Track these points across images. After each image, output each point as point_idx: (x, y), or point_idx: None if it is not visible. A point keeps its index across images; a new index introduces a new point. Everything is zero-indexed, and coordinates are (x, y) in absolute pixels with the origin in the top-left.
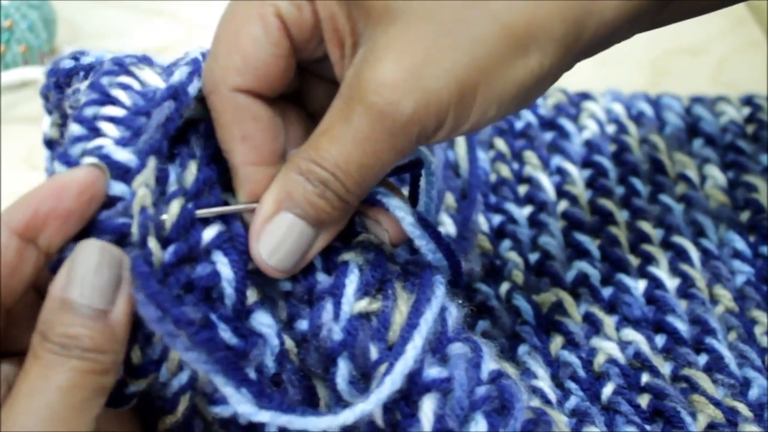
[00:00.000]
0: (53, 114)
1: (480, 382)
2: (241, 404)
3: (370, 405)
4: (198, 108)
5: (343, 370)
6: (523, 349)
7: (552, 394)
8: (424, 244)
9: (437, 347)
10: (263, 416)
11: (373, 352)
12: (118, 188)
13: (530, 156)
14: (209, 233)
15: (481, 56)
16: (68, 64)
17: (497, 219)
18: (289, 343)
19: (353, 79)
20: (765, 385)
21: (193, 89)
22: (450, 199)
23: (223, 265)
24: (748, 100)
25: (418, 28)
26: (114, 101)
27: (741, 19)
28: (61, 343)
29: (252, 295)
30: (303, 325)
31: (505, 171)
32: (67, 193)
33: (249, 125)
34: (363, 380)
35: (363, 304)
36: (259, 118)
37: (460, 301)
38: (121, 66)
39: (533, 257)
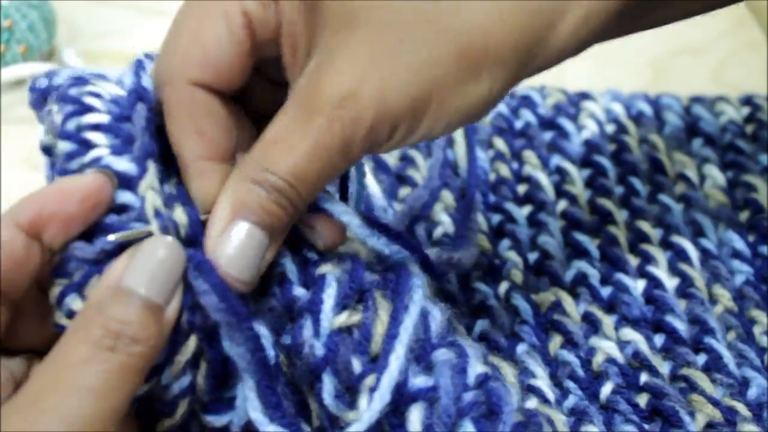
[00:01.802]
0: (45, 122)
1: (467, 388)
2: (255, 411)
3: (363, 425)
4: None
5: (328, 385)
6: (521, 348)
7: (550, 394)
8: (376, 242)
9: (421, 355)
10: (271, 429)
11: (356, 366)
12: (124, 197)
13: (529, 155)
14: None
15: (437, 76)
16: (43, 83)
17: (496, 218)
18: (282, 360)
19: (310, 88)
20: (764, 385)
21: (149, 86)
22: (449, 198)
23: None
24: (747, 100)
25: (378, 42)
26: (90, 109)
27: (741, 20)
28: (110, 330)
29: (251, 306)
30: (287, 340)
31: (504, 170)
32: (71, 198)
33: (204, 120)
34: (348, 394)
35: (342, 318)
36: (214, 114)
37: (443, 304)
38: (81, 79)
39: (532, 257)
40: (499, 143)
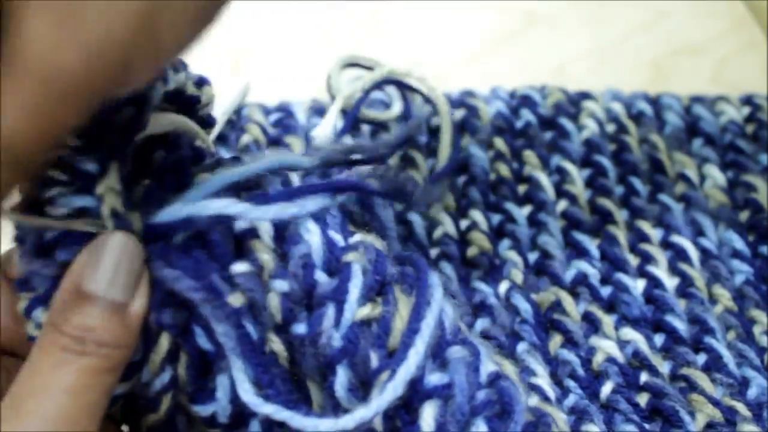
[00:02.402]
0: None
1: (480, 386)
2: (247, 393)
3: (371, 411)
4: (166, 121)
5: (342, 378)
6: (522, 347)
7: (551, 392)
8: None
9: (437, 352)
10: (267, 408)
11: (374, 360)
12: (81, 201)
13: (529, 155)
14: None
15: None
16: None
17: (496, 218)
18: (278, 348)
19: (10, 50)
20: (764, 385)
21: (155, 93)
22: (449, 198)
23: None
24: (747, 100)
25: None
26: None
27: (741, 20)
28: (76, 336)
29: (235, 300)
30: (300, 329)
31: (504, 170)
32: None
33: None
34: (362, 388)
35: (366, 311)
36: None
37: (455, 301)
38: None
39: (532, 257)
40: (499, 143)
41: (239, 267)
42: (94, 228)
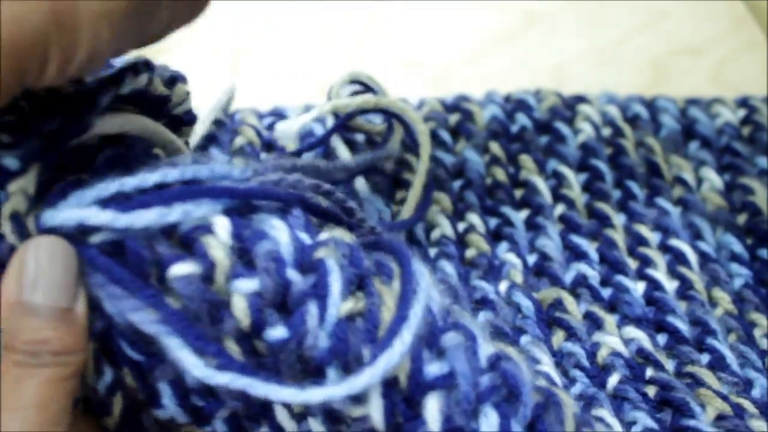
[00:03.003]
0: None
1: (482, 371)
2: (197, 368)
3: (339, 390)
4: (117, 122)
5: (333, 379)
6: (525, 339)
7: (557, 378)
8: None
9: (431, 340)
10: (222, 378)
11: (366, 355)
12: None
13: (525, 159)
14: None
15: None
16: None
17: (493, 222)
18: (237, 357)
19: None
20: (767, 386)
21: (103, 99)
22: (446, 201)
23: (100, 291)
24: (743, 102)
25: None
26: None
27: (741, 20)
28: (30, 351)
29: (151, 314)
30: (278, 333)
31: (500, 175)
32: None
33: None
34: None
35: (349, 305)
36: None
37: (441, 287)
38: None
39: (531, 259)
40: (495, 147)
41: (178, 269)
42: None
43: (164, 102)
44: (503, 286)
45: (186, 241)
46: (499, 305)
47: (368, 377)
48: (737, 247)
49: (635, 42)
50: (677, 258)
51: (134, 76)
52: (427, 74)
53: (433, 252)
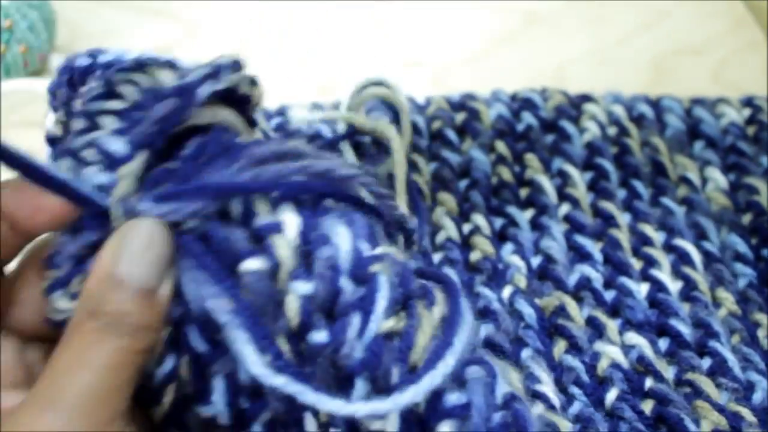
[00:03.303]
0: (59, 111)
1: (495, 408)
2: (256, 365)
3: (386, 406)
4: (209, 114)
5: (360, 390)
6: (526, 353)
7: (556, 400)
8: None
9: (457, 370)
10: (277, 380)
11: (395, 375)
12: (103, 178)
13: (531, 158)
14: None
15: None
16: (84, 61)
17: (499, 222)
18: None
19: None
20: None
21: (204, 90)
22: (451, 202)
23: (185, 275)
24: (748, 102)
25: None
26: (119, 96)
27: (741, 20)
28: (113, 320)
29: (227, 304)
30: (320, 336)
31: (506, 174)
32: (41, 213)
33: None
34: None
35: (390, 324)
36: None
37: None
38: (138, 65)
39: (535, 261)
40: (501, 146)
41: (250, 264)
42: (101, 206)
43: (246, 101)
44: (506, 292)
45: (258, 235)
46: (501, 316)
47: (411, 395)
48: (742, 246)
49: (636, 42)
50: (681, 258)
51: (229, 73)
52: (427, 74)
53: (437, 257)
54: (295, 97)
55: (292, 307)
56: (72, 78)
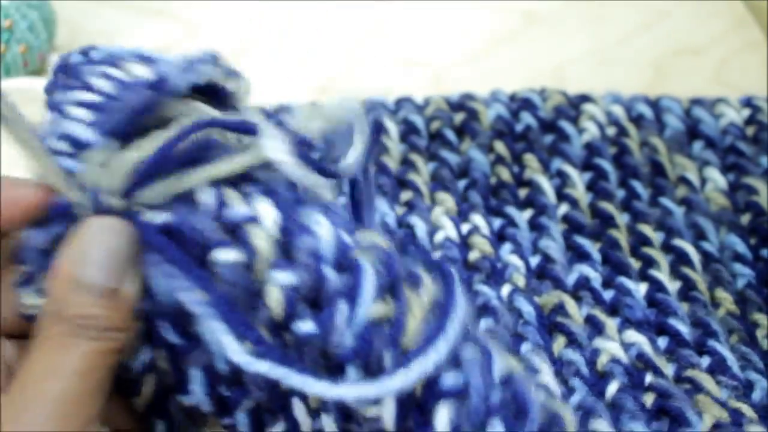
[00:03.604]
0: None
1: (493, 387)
2: (237, 353)
3: (375, 389)
4: (184, 108)
5: (352, 378)
6: (525, 347)
7: (556, 390)
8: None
9: (451, 352)
10: (261, 366)
11: (387, 359)
12: (70, 164)
13: (530, 159)
14: (157, 218)
15: None
16: (77, 59)
17: (497, 222)
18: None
19: None
20: (767, 388)
21: (178, 82)
22: (450, 202)
23: (154, 269)
24: (747, 102)
25: None
26: (89, 87)
27: (741, 20)
28: (77, 324)
29: (199, 295)
30: (307, 327)
31: (505, 174)
32: (11, 206)
33: None
34: None
35: (379, 309)
36: None
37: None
38: (112, 58)
39: (534, 260)
40: (500, 146)
41: (222, 254)
42: (73, 196)
43: (229, 97)
44: (505, 291)
45: (232, 227)
46: (500, 312)
47: (401, 379)
48: (740, 247)
49: (636, 42)
50: (680, 258)
51: (205, 67)
52: (427, 74)
53: (436, 256)
54: (295, 97)
55: (275, 298)
56: (67, 75)
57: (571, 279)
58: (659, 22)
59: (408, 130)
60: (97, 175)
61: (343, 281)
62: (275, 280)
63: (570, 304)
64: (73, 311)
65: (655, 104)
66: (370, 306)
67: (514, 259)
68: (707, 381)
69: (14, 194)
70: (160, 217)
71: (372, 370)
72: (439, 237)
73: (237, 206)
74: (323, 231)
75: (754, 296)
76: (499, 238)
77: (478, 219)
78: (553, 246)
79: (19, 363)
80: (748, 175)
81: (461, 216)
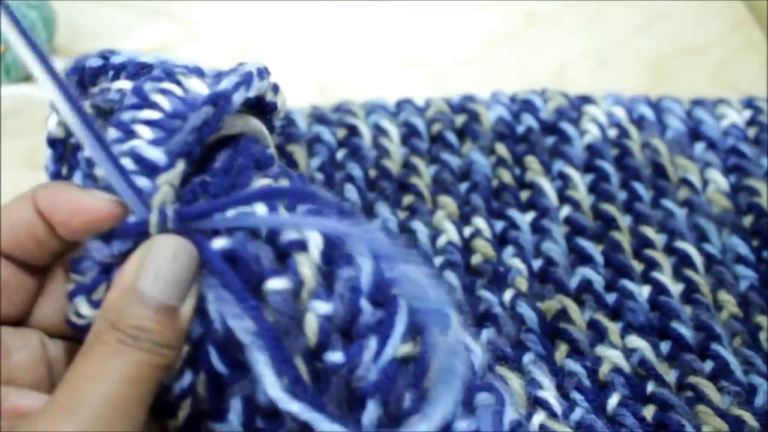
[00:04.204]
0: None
1: None
2: (273, 388)
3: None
4: (239, 123)
5: (372, 413)
6: (528, 357)
7: (557, 406)
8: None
9: (466, 396)
10: (293, 406)
11: (407, 400)
12: (141, 183)
13: (531, 161)
14: (216, 244)
15: None
16: (96, 62)
17: (499, 225)
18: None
19: None
20: None
21: (237, 98)
22: (452, 205)
23: (210, 293)
24: (749, 103)
25: None
26: (152, 105)
27: (741, 20)
28: (132, 335)
29: (249, 324)
30: (336, 357)
31: (506, 176)
32: (79, 216)
33: None
34: (390, 424)
35: (406, 349)
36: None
37: (485, 342)
38: (168, 74)
39: (536, 264)
40: (501, 149)
41: (275, 283)
42: (141, 214)
43: (272, 109)
44: (508, 296)
45: (283, 252)
46: (502, 320)
47: (424, 429)
48: (743, 249)
49: (635, 42)
50: (683, 260)
51: (258, 81)
52: (427, 74)
53: (438, 261)
54: (295, 97)
55: (312, 327)
56: (81, 79)
57: (573, 282)
58: (659, 22)
59: (409, 133)
60: (164, 194)
61: (377, 317)
62: (314, 309)
63: (572, 309)
64: (130, 321)
65: (656, 105)
66: (398, 345)
67: (517, 263)
68: (709, 388)
69: (85, 204)
70: (221, 242)
71: (391, 407)
72: (441, 241)
73: (288, 232)
74: (365, 262)
75: (756, 298)
76: (501, 241)
77: (480, 222)
78: (556, 249)
79: (65, 364)
80: (750, 176)
81: (463, 219)
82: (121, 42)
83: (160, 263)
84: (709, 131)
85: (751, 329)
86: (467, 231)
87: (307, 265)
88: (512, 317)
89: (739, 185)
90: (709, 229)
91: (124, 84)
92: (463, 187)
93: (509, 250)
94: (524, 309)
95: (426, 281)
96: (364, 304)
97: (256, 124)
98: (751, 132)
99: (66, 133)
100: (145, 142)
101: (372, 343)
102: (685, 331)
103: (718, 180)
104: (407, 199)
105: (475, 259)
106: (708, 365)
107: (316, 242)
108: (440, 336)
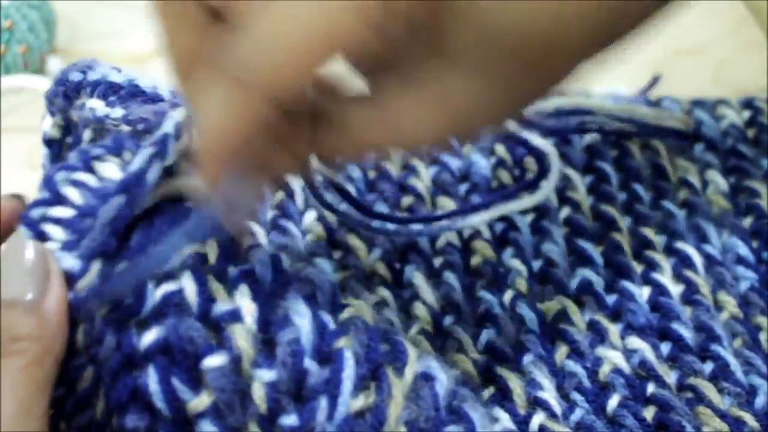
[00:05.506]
0: (56, 116)
1: None
2: None
3: None
4: (163, 190)
5: None
6: (528, 358)
7: (557, 407)
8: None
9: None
10: None
11: None
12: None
13: (531, 162)
14: (147, 339)
15: None
16: (77, 77)
17: (499, 226)
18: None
19: None
20: None
21: (152, 176)
22: (451, 206)
23: (151, 380)
24: (748, 103)
25: None
26: (63, 201)
27: (741, 20)
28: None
29: (199, 403)
30: (290, 420)
31: (506, 177)
32: None
33: None
34: None
35: (359, 402)
36: None
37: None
38: (82, 160)
39: (536, 265)
40: (501, 150)
41: (211, 361)
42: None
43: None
44: (507, 297)
45: (217, 324)
46: (502, 320)
47: None
48: (743, 249)
49: (635, 42)
50: (683, 261)
51: (175, 143)
52: None
53: (437, 262)
54: None
55: (259, 395)
56: (66, 91)
57: (573, 283)
58: (659, 22)
59: None
60: (93, 300)
61: (323, 376)
62: (259, 377)
63: (572, 310)
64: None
65: (655, 106)
66: (350, 401)
67: (517, 264)
68: (709, 389)
69: None
70: (151, 335)
71: None
72: (440, 242)
73: (221, 303)
74: (304, 322)
75: (757, 299)
76: (500, 242)
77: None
78: (555, 250)
79: None
80: (750, 177)
81: None
82: (121, 42)
83: (8, 264)
84: (708, 132)
85: (752, 330)
86: (466, 232)
87: (243, 336)
88: (512, 318)
89: (739, 186)
90: (708, 229)
91: (96, 104)
92: (463, 188)
93: (509, 251)
94: (524, 310)
95: (371, 318)
96: (309, 364)
97: (181, 184)
98: (751, 132)
99: (62, 132)
100: (57, 248)
101: (323, 403)
102: (685, 332)
103: (718, 181)
104: (407, 200)
105: (475, 260)
106: (708, 366)
107: (249, 310)
108: (395, 377)
